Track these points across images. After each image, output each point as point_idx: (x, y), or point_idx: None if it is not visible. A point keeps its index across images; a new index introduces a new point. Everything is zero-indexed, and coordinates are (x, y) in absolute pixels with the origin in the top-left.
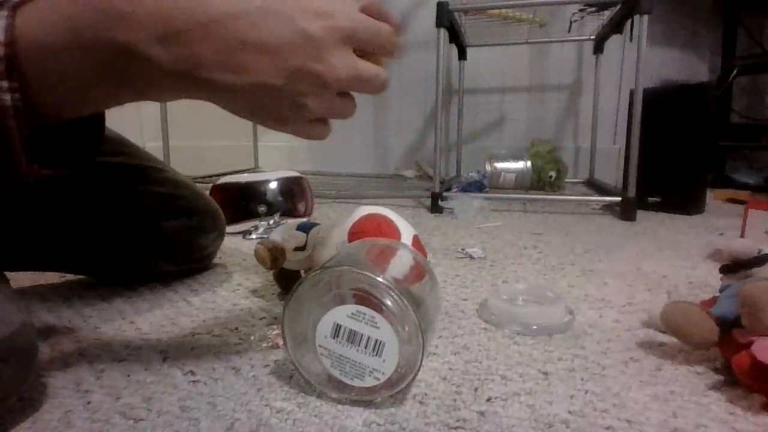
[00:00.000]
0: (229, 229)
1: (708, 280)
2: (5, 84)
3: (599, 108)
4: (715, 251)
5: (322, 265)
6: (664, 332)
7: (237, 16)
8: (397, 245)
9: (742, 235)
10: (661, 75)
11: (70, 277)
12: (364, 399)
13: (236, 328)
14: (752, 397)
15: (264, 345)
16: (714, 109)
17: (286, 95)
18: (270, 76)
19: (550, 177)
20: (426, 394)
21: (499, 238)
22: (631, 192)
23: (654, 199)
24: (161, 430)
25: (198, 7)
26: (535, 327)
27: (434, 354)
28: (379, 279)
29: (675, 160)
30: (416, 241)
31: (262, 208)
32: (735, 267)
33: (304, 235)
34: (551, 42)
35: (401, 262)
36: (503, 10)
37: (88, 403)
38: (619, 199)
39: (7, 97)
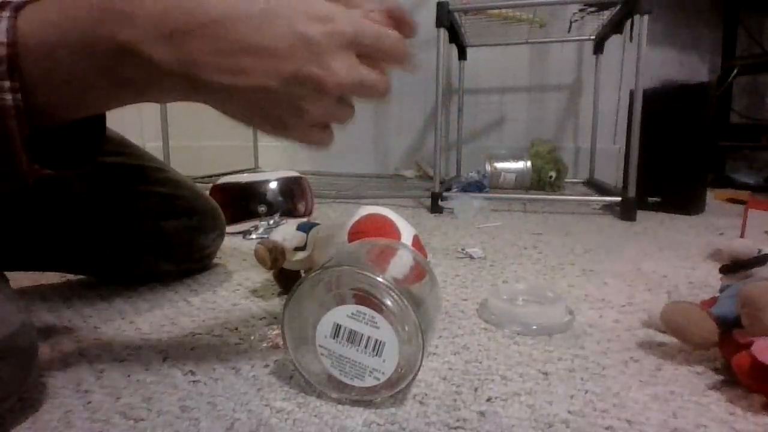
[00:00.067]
0: (229, 229)
1: (708, 280)
2: (6, 84)
3: (599, 108)
4: (715, 251)
5: (322, 265)
6: (664, 332)
7: (237, 18)
8: (397, 245)
9: (742, 235)
10: (661, 75)
11: (70, 277)
12: (364, 399)
13: (236, 328)
14: (752, 397)
15: (264, 345)
16: (714, 109)
17: (285, 99)
18: (268, 79)
19: (550, 177)
20: (426, 394)
21: (499, 238)
22: (631, 192)
23: (654, 199)
24: (161, 430)
25: (198, 8)
26: (535, 327)
27: (434, 354)
28: (379, 279)
29: (675, 160)
30: (416, 241)
31: (262, 208)
32: (735, 267)
33: (304, 235)
34: (551, 42)
35: (401, 262)
36: (503, 10)
37: (88, 403)
38: (619, 199)
39: (9, 97)
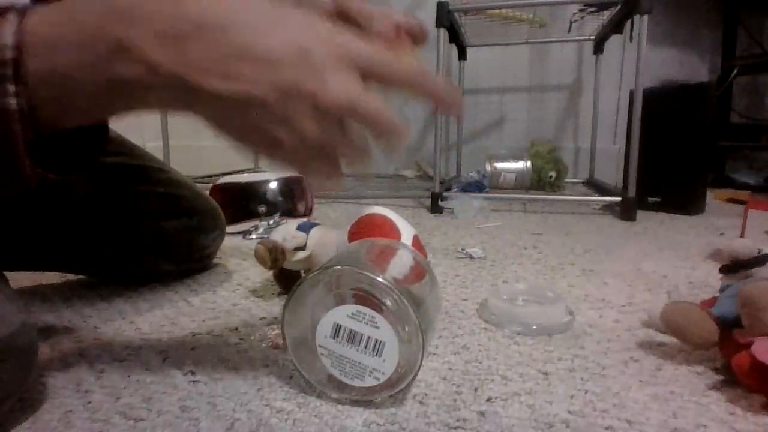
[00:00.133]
0: (229, 229)
1: (708, 280)
2: (12, 88)
3: (599, 108)
4: (715, 251)
5: (322, 265)
6: (664, 332)
7: (237, 25)
8: (397, 245)
9: (742, 235)
10: (661, 75)
11: (70, 277)
12: (364, 399)
13: (236, 328)
14: (752, 397)
15: (264, 345)
16: (714, 109)
17: (280, 113)
18: (263, 88)
19: (550, 177)
20: (426, 394)
21: (499, 238)
22: (631, 192)
23: (654, 199)
24: (161, 430)
25: (199, 11)
26: (535, 327)
27: (434, 354)
28: (379, 279)
29: (675, 160)
30: (416, 241)
31: (262, 208)
32: (735, 267)
33: (304, 235)
34: (551, 42)
35: (401, 262)
36: (503, 10)
37: (88, 403)
38: (619, 199)
39: (13, 101)
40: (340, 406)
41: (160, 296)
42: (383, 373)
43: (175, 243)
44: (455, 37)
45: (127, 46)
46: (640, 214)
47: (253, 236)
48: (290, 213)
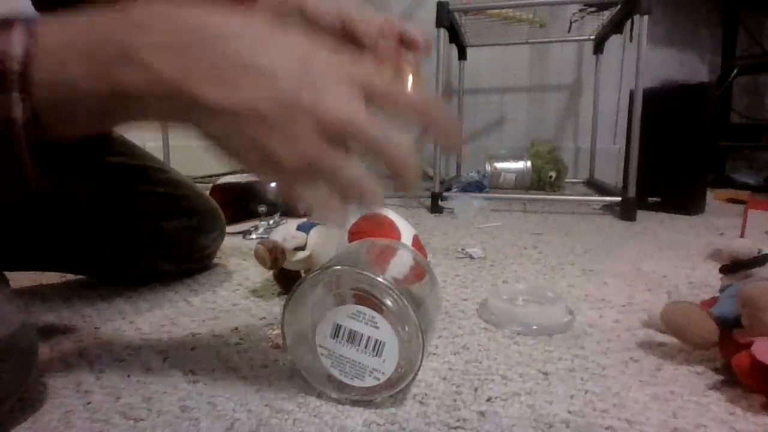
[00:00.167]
0: (229, 229)
1: (708, 280)
2: (18, 97)
3: (599, 108)
4: (715, 251)
5: (322, 265)
6: (664, 332)
7: (239, 38)
8: (397, 245)
9: (742, 235)
10: (661, 75)
11: (70, 277)
12: (364, 399)
13: (236, 328)
14: (752, 397)
15: (264, 345)
16: (714, 109)
17: (279, 129)
18: (262, 101)
19: (550, 177)
20: (426, 394)
21: (499, 238)
22: (631, 192)
23: (654, 199)
24: (161, 430)
25: (202, 24)
26: (535, 327)
27: (434, 354)
28: (379, 279)
29: (675, 160)
30: (416, 241)
31: (262, 208)
32: (735, 267)
33: (304, 235)
34: (551, 42)
35: (401, 262)
36: (503, 10)
37: (88, 403)
38: (619, 199)
39: (19, 111)
40: (340, 406)
41: (160, 296)
42: (383, 373)
43: (175, 243)
44: (455, 37)
45: (129, 53)
46: (640, 214)
47: (253, 236)
48: (290, 213)
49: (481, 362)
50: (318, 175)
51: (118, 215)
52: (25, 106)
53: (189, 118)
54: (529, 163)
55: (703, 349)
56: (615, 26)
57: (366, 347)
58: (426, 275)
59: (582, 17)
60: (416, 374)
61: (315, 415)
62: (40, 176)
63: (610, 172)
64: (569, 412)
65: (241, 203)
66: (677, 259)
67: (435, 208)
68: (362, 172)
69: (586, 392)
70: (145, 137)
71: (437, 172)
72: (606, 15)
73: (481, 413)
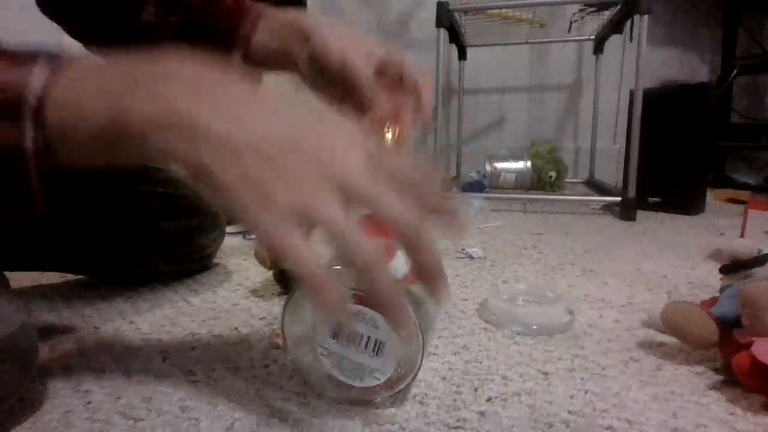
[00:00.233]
0: (229, 229)
1: (708, 280)
2: (30, 127)
3: (599, 108)
4: (715, 251)
5: None
6: (664, 332)
7: (259, 95)
8: (397, 245)
9: (742, 235)
10: (661, 75)
11: (70, 277)
12: (364, 399)
13: (236, 328)
14: (752, 397)
15: (264, 345)
16: (714, 109)
17: (283, 165)
18: (272, 137)
19: (550, 177)
20: (426, 394)
21: (499, 238)
22: (631, 192)
23: (654, 199)
24: (161, 430)
25: (224, 79)
26: (535, 327)
27: (434, 354)
28: None
29: (675, 160)
30: None
31: None
32: (735, 267)
33: None
34: (551, 42)
35: (401, 262)
36: (503, 10)
37: (88, 403)
38: (619, 199)
39: (30, 140)
40: (340, 406)
41: (160, 296)
42: (383, 373)
43: (175, 243)
44: (455, 37)
45: (143, 82)
46: (640, 214)
47: (253, 236)
48: None
49: (481, 362)
50: (312, 223)
51: (119, 215)
52: (37, 137)
53: (193, 151)
54: (529, 163)
55: (703, 349)
56: (615, 26)
57: (366, 347)
58: None
59: (582, 17)
60: (416, 374)
61: (315, 415)
62: (48, 204)
63: (610, 172)
64: (569, 412)
65: None
66: (677, 259)
67: None
68: (362, 237)
69: (586, 392)
70: None
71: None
72: (606, 15)
73: (481, 413)
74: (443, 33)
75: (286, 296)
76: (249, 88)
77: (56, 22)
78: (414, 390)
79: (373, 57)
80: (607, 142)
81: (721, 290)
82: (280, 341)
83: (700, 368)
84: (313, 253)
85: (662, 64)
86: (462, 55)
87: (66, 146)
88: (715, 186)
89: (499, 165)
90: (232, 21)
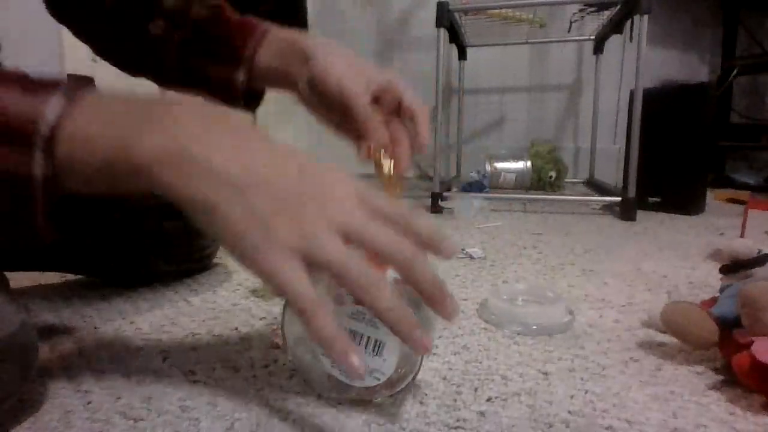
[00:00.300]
0: None
1: (708, 280)
2: (40, 156)
3: (599, 108)
4: (715, 251)
5: None
6: (664, 332)
7: (272, 142)
8: None
9: (742, 235)
10: (661, 75)
11: (70, 277)
12: (364, 399)
13: (236, 328)
14: (752, 397)
15: (264, 345)
16: (714, 109)
17: (287, 205)
18: (279, 178)
19: (550, 177)
20: (426, 394)
21: (499, 238)
22: (631, 192)
23: (654, 199)
24: (161, 430)
25: (240, 126)
26: (535, 327)
27: (434, 354)
28: None
29: (675, 160)
30: None
31: None
32: (735, 267)
33: None
34: (551, 42)
35: None
36: (503, 10)
37: (88, 403)
38: (619, 199)
39: (39, 169)
40: (340, 406)
41: (160, 296)
42: (383, 373)
43: (176, 243)
44: (455, 37)
45: (153, 118)
46: (640, 214)
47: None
48: None
49: (481, 362)
50: (316, 262)
51: (119, 215)
52: (47, 164)
53: (202, 187)
54: (529, 163)
55: (703, 349)
56: (615, 26)
57: (366, 347)
58: None
59: (582, 17)
60: (416, 374)
61: (315, 415)
62: (53, 231)
63: (610, 172)
64: (569, 412)
65: None
66: (677, 259)
67: (435, 208)
68: (368, 272)
69: (586, 392)
70: None
71: (437, 172)
72: (606, 15)
73: (481, 413)
74: (443, 33)
75: None
76: (254, 131)
77: (63, 24)
78: (414, 390)
79: (371, 83)
80: (607, 142)
81: (721, 290)
82: (280, 341)
83: (700, 368)
84: (311, 288)
85: (662, 64)
86: (462, 55)
87: (74, 176)
88: (715, 186)
89: (499, 165)
90: (238, 40)
